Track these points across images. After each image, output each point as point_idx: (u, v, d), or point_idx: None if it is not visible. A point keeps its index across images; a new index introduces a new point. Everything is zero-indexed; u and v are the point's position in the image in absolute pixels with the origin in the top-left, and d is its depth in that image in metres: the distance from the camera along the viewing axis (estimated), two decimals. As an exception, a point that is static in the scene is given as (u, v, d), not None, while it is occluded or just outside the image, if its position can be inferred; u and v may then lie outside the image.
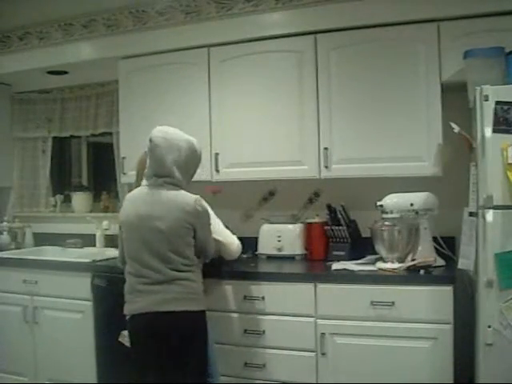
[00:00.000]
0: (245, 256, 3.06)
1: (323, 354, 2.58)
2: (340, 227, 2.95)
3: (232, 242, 2.48)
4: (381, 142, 2.76)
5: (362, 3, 2.75)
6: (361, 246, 2.94)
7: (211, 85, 3.10)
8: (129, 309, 2.22)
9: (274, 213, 3.22)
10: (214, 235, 2.37)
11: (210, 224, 2.29)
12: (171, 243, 2.15)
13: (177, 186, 2.21)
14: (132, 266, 2.22)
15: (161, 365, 2.15)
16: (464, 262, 2.36)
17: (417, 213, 2.66)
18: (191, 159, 2.25)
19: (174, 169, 2.19)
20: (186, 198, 2.19)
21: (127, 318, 2.23)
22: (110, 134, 3.82)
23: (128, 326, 2.25)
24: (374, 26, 2.76)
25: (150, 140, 2.21)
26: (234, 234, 2.54)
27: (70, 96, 4.00)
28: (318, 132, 2.88)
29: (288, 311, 2.63)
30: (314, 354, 2.60)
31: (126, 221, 2.26)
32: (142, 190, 2.26)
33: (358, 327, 2.52)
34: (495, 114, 2.12)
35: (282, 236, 3.09)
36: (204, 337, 2.24)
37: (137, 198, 2.26)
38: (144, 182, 2.28)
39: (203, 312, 2.24)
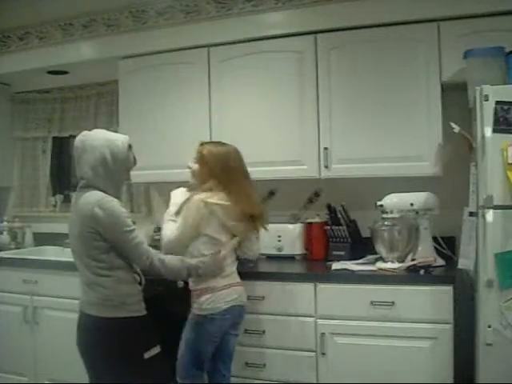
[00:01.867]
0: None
1: (323, 353, 2.58)
2: (340, 227, 2.95)
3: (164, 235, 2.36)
4: (381, 142, 2.76)
5: (362, 3, 2.76)
6: (361, 246, 2.93)
7: (211, 85, 3.10)
8: None
9: (274, 213, 3.21)
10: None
11: (118, 228, 2.06)
12: (84, 247, 2.10)
13: (89, 187, 2.12)
14: None
15: (85, 362, 2.21)
16: (464, 262, 2.36)
17: (417, 213, 2.66)
18: (109, 158, 2.10)
19: (86, 169, 2.12)
20: (89, 200, 2.07)
21: None
22: (110, 133, 3.82)
23: None
24: (374, 26, 2.76)
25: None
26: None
27: (69, 96, 4.00)
28: (318, 132, 2.88)
29: (288, 311, 2.63)
30: (313, 354, 2.60)
31: None
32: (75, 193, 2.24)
33: (358, 327, 2.53)
34: (495, 113, 2.12)
35: (282, 236, 3.09)
36: (113, 344, 2.08)
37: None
38: None
39: (116, 319, 2.10)
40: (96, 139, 2.13)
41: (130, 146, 2.19)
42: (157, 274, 2.17)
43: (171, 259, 2.22)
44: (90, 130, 2.20)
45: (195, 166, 2.43)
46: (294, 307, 2.62)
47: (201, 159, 2.41)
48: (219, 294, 2.34)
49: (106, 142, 2.12)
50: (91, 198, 2.08)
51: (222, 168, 2.38)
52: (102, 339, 2.09)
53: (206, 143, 2.50)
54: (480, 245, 2.16)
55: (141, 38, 3.23)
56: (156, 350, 2.16)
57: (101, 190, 2.10)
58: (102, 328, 2.10)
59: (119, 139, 2.16)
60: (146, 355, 2.12)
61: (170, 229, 2.36)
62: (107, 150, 2.10)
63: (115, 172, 2.14)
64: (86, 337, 2.15)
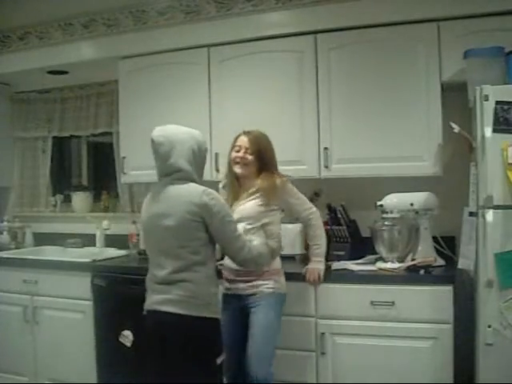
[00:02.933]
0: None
1: (323, 353, 2.58)
2: (340, 227, 2.95)
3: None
4: (381, 142, 2.76)
5: (362, 3, 2.76)
6: (361, 246, 2.93)
7: (211, 85, 3.10)
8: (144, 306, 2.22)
9: (274, 213, 3.21)
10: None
11: (224, 217, 2.11)
12: (179, 239, 2.08)
13: (186, 179, 2.14)
14: (149, 264, 2.23)
15: (158, 365, 2.11)
16: (464, 262, 2.36)
17: (417, 213, 2.66)
18: (197, 150, 2.18)
19: (180, 162, 2.13)
20: (193, 190, 2.11)
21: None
22: (110, 133, 3.82)
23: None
24: (374, 26, 2.76)
25: (152, 141, 2.19)
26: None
27: (69, 96, 4.00)
28: (318, 132, 2.88)
29: (288, 311, 2.63)
30: (313, 353, 2.60)
31: (141, 221, 2.31)
32: (155, 189, 2.23)
33: (358, 327, 2.53)
34: (495, 113, 2.12)
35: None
36: (194, 344, 2.04)
37: (150, 198, 2.26)
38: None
39: (203, 319, 2.07)
40: (180, 133, 2.18)
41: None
42: (250, 265, 2.25)
43: (261, 247, 2.28)
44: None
45: (251, 157, 2.45)
46: (293, 307, 2.62)
47: (258, 148, 2.46)
48: None
49: (190, 135, 2.19)
50: (195, 188, 2.12)
51: (273, 152, 2.52)
52: (185, 338, 2.04)
53: (251, 131, 2.52)
54: (480, 245, 2.17)
55: (141, 38, 3.24)
56: (223, 357, 2.13)
57: (192, 182, 2.14)
58: (186, 326, 2.05)
59: (196, 132, 2.23)
60: (218, 360, 2.09)
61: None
62: (194, 143, 2.17)
63: (201, 163, 2.22)
64: (165, 335, 2.07)
